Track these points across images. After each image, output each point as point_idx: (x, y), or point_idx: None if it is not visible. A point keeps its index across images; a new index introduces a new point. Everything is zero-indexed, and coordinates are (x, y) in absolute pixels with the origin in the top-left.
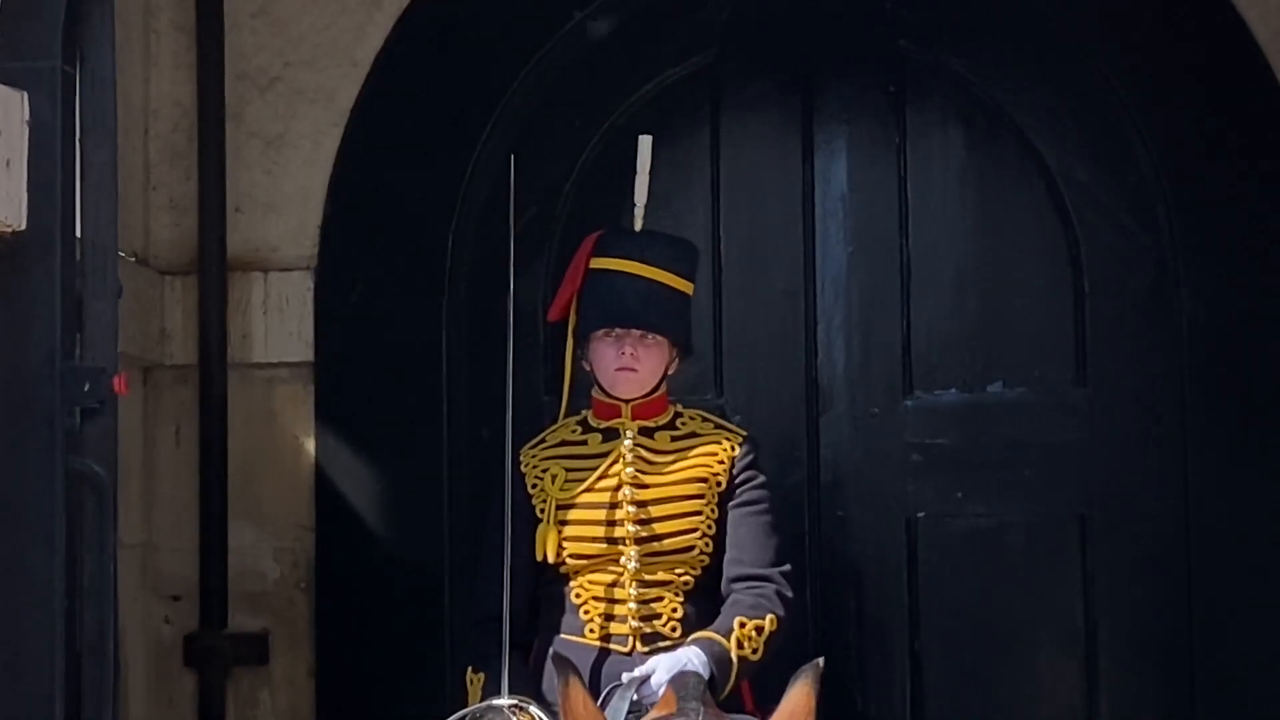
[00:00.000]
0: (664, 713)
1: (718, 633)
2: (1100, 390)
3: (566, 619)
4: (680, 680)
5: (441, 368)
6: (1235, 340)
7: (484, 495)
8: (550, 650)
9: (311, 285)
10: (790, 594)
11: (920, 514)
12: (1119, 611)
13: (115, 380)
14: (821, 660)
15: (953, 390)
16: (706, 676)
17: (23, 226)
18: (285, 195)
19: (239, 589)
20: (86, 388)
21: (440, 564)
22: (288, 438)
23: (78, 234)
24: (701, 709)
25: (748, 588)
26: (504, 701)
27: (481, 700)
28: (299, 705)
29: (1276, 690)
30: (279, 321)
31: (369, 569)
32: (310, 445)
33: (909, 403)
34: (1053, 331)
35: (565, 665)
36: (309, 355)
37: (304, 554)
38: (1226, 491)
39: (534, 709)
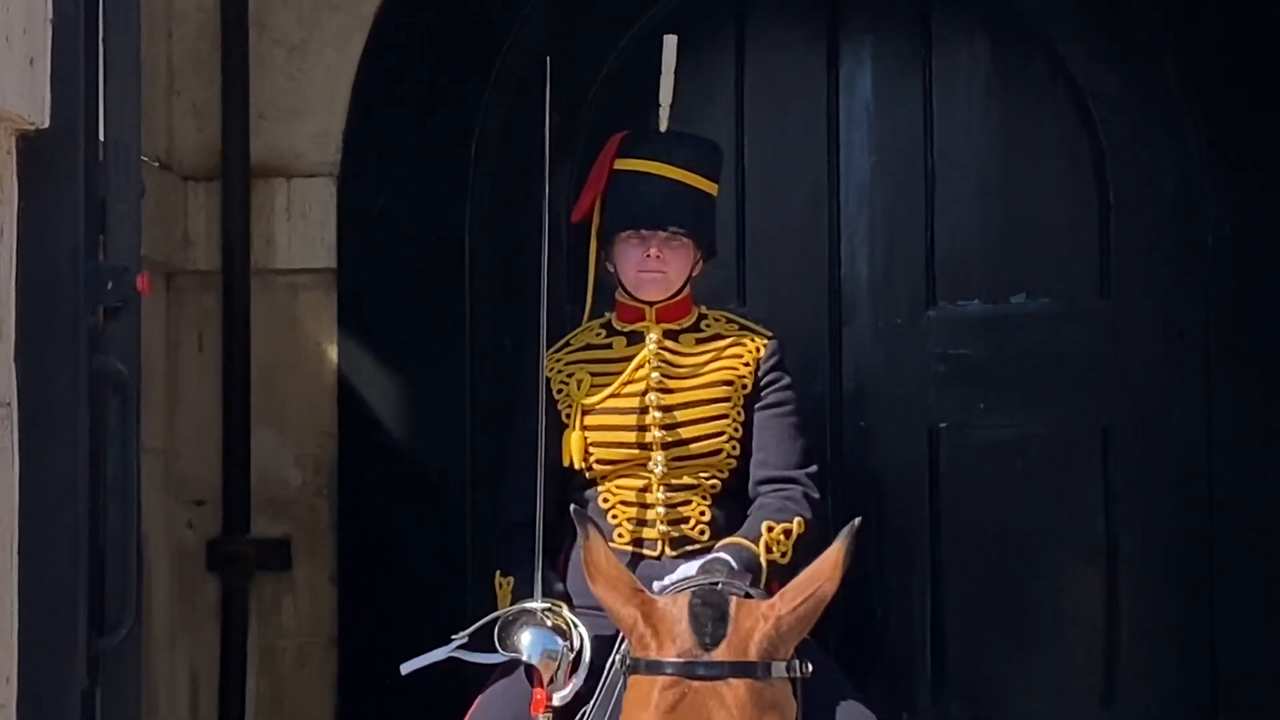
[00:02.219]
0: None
1: (746, 538)
2: (1124, 303)
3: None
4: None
5: (464, 276)
6: (1261, 254)
7: (507, 403)
8: (571, 506)
9: (334, 192)
10: (817, 495)
11: (942, 425)
12: (1140, 524)
13: (138, 279)
14: (858, 520)
15: (976, 301)
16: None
17: (45, 124)
18: (308, 102)
19: (261, 495)
20: (109, 287)
21: (462, 471)
22: (310, 344)
23: (101, 136)
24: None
25: (774, 490)
26: (537, 605)
27: (511, 604)
28: (321, 610)
29: None
30: (302, 228)
31: (391, 476)
32: (333, 352)
33: (932, 313)
34: (1077, 244)
35: (584, 519)
36: (332, 262)
37: (326, 460)
38: (1249, 405)
39: (566, 612)
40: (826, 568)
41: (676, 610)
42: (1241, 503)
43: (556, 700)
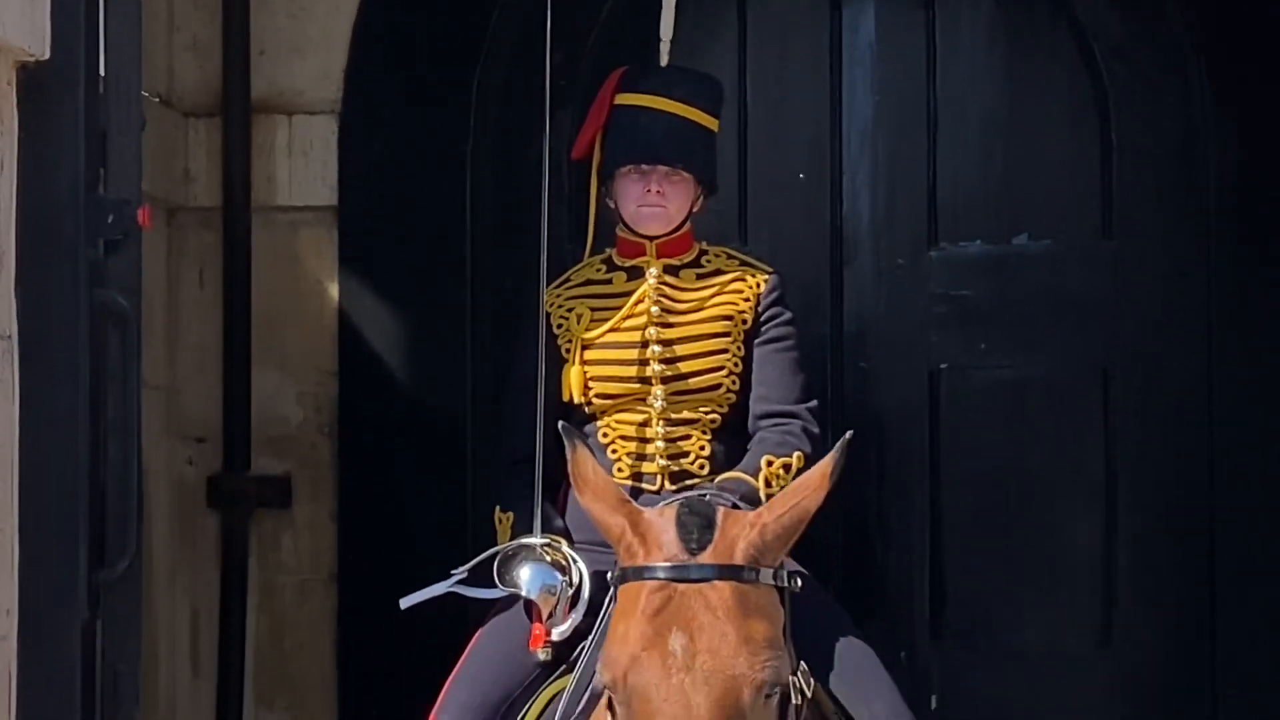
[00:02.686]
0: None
1: (745, 472)
2: (1126, 244)
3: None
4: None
5: (466, 215)
6: (1262, 197)
7: (507, 342)
8: (560, 422)
9: (336, 129)
10: (817, 430)
11: (943, 366)
12: (1140, 465)
13: (139, 212)
14: (849, 434)
15: (978, 242)
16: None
17: (46, 56)
18: (310, 39)
19: (262, 432)
20: (110, 220)
21: (462, 409)
22: (311, 282)
23: (101, 69)
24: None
25: (774, 425)
26: (536, 540)
27: (510, 540)
28: (321, 548)
29: None
30: (303, 165)
31: (391, 414)
32: (334, 290)
33: (934, 254)
34: (1080, 185)
35: (571, 433)
36: (333, 200)
37: (327, 398)
38: (1250, 347)
39: (565, 548)
40: (814, 479)
41: (664, 519)
42: (1241, 444)
43: (555, 635)
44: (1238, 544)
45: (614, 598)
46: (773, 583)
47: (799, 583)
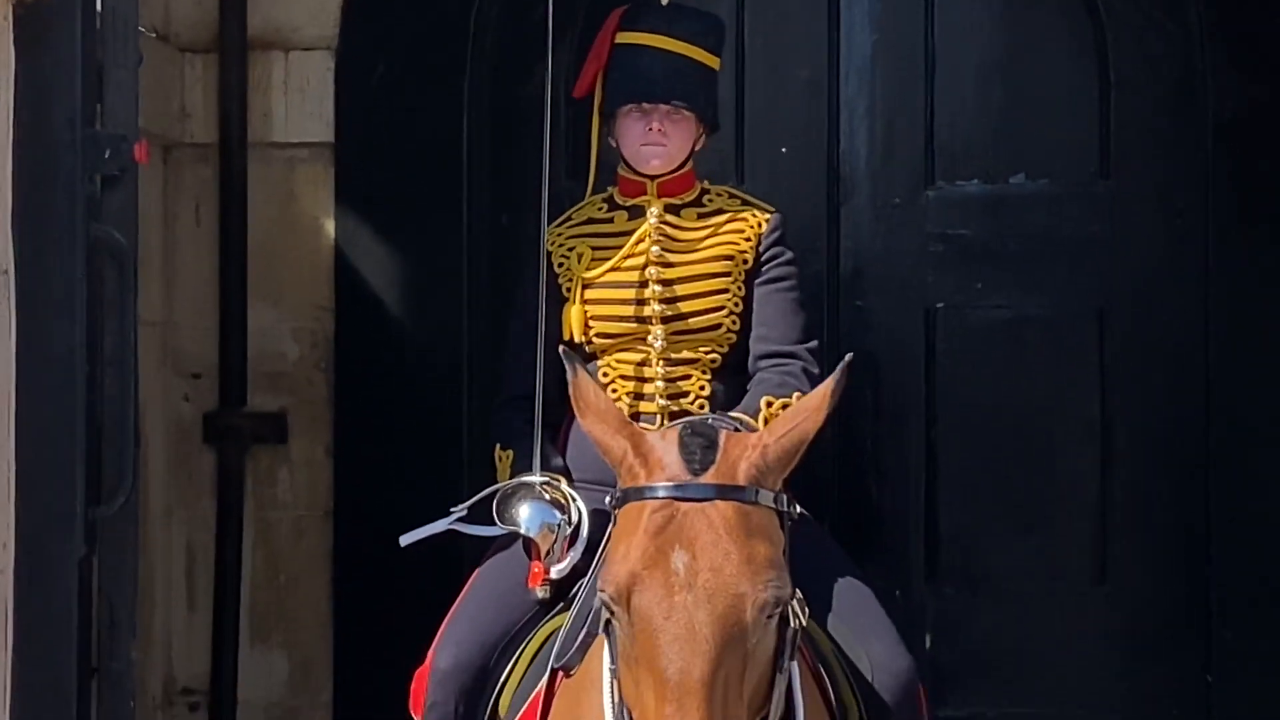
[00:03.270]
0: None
1: (745, 413)
2: (1123, 184)
3: None
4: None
5: (462, 151)
6: (1261, 137)
7: (503, 279)
8: (560, 346)
9: (332, 65)
10: (817, 370)
11: (939, 305)
12: (1135, 405)
13: (136, 148)
14: (850, 356)
15: (975, 181)
16: None
17: None
18: None
19: (258, 368)
20: (107, 155)
21: (459, 345)
22: (307, 218)
23: (98, 4)
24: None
25: (774, 365)
26: (535, 478)
27: (510, 478)
28: (317, 484)
29: None
30: (299, 101)
31: (388, 350)
32: (330, 226)
33: (930, 193)
34: (1077, 124)
35: (572, 357)
36: (329, 136)
37: (323, 334)
38: (1247, 287)
39: (565, 486)
40: (815, 402)
41: (666, 441)
42: (1237, 382)
43: (554, 573)
44: (1232, 482)
45: (614, 520)
46: (773, 506)
47: (798, 509)
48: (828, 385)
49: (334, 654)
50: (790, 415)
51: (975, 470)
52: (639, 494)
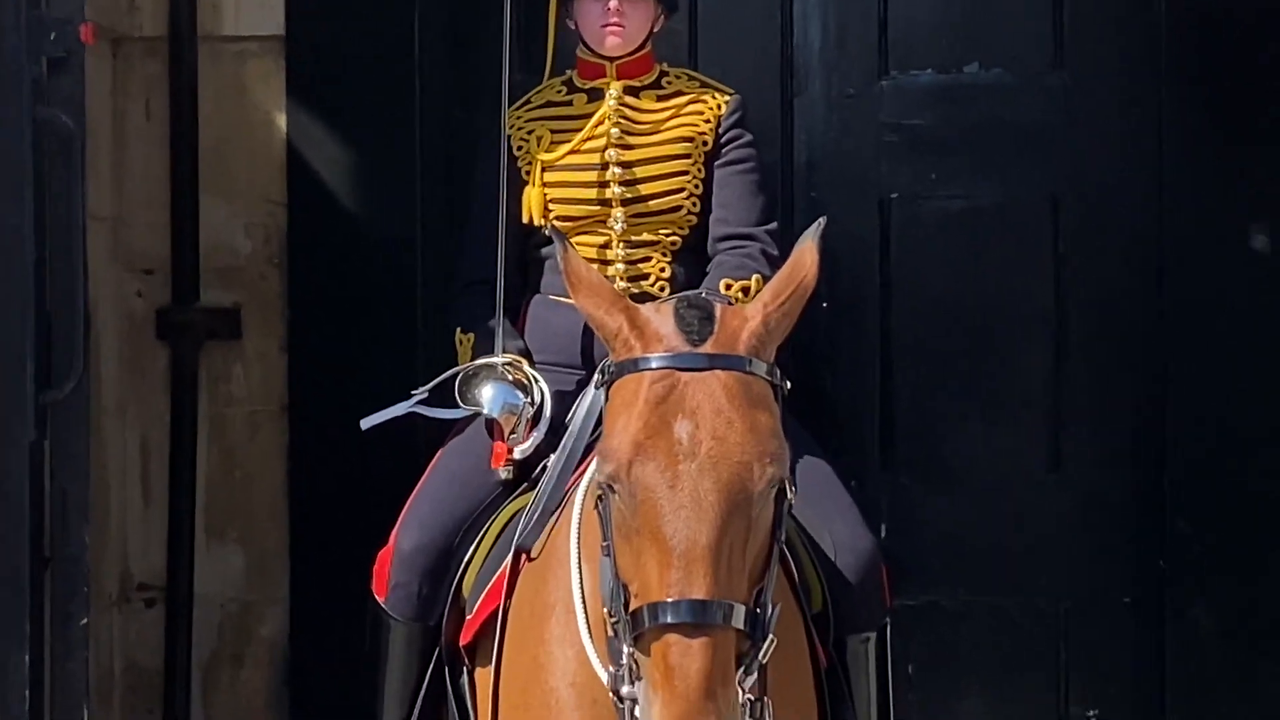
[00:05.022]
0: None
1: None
2: (1077, 73)
3: (555, 280)
4: None
5: (414, 41)
6: (1214, 27)
7: (457, 170)
8: (550, 223)
9: None
10: (776, 252)
11: (894, 195)
12: (1090, 294)
13: (82, 29)
14: (824, 219)
15: (929, 71)
16: None
17: None
18: None
19: (211, 264)
20: (53, 37)
21: (412, 239)
22: (259, 113)
23: None
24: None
25: (732, 248)
26: (498, 359)
27: (472, 360)
28: (271, 379)
29: (1243, 375)
30: None
31: (341, 244)
32: (281, 120)
33: (884, 84)
34: (1031, 13)
35: (561, 233)
36: (279, 29)
37: (276, 229)
38: (1199, 176)
39: (527, 367)
40: (804, 262)
41: (661, 314)
42: (1190, 270)
43: (517, 454)
44: (1188, 369)
45: (607, 396)
46: (768, 378)
47: (789, 385)
48: (811, 247)
49: (290, 549)
50: (784, 280)
51: (930, 360)
52: (635, 365)
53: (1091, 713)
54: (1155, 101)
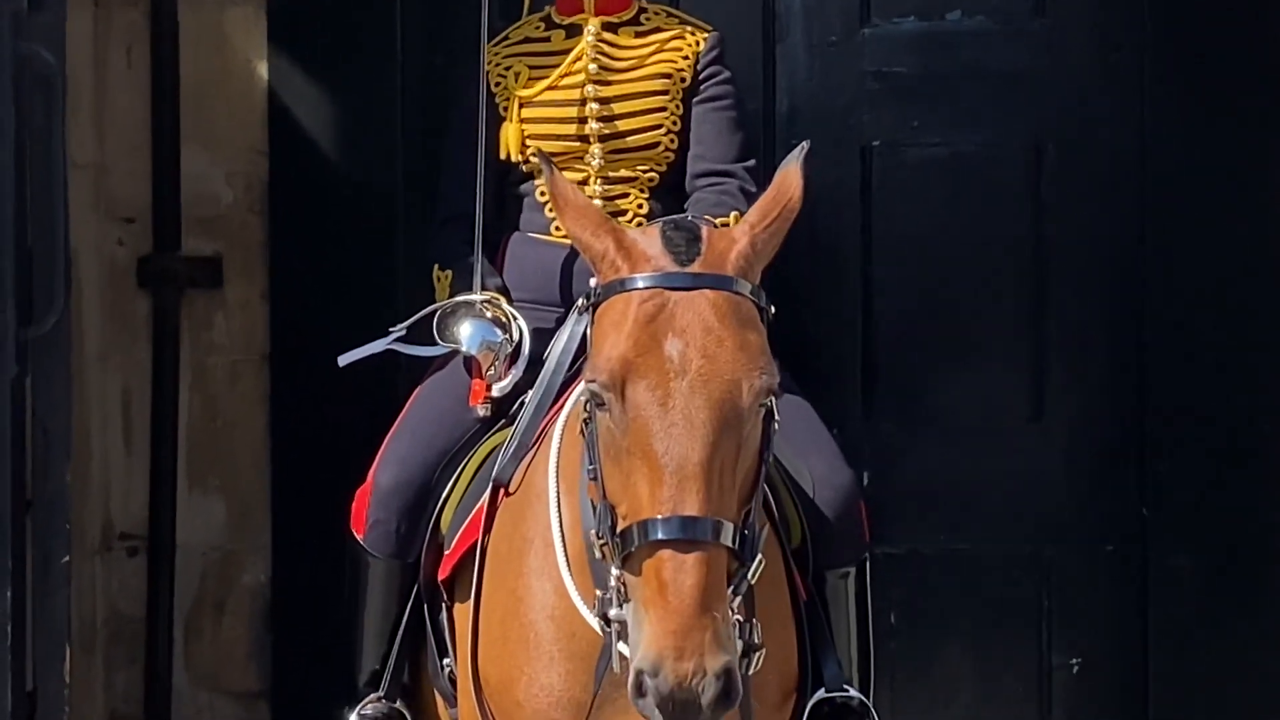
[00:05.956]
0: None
1: None
2: (1060, 20)
3: (533, 217)
4: None
5: None
6: None
7: (437, 119)
8: (537, 149)
9: None
10: (754, 189)
11: (875, 143)
12: (1071, 241)
13: None
14: (807, 143)
15: (911, 18)
16: None
17: None
18: None
19: (192, 212)
20: None
21: (394, 187)
22: (240, 61)
23: None
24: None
25: (710, 185)
26: (476, 296)
27: (450, 297)
28: (253, 328)
29: (1225, 320)
30: None
31: (323, 192)
32: (263, 69)
33: (866, 31)
34: None
35: (547, 158)
36: None
37: (257, 178)
38: (1182, 123)
39: (505, 304)
40: (789, 184)
41: (648, 237)
42: (1173, 215)
43: (495, 391)
44: (1167, 316)
45: (593, 320)
46: (754, 299)
47: (774, 310)
48: (795, 169)
49: (272, 497)
50: (769, 202)
51: (912, 307)
52: (623, 285)
53: (1073, 660)
54: (1137, 47)
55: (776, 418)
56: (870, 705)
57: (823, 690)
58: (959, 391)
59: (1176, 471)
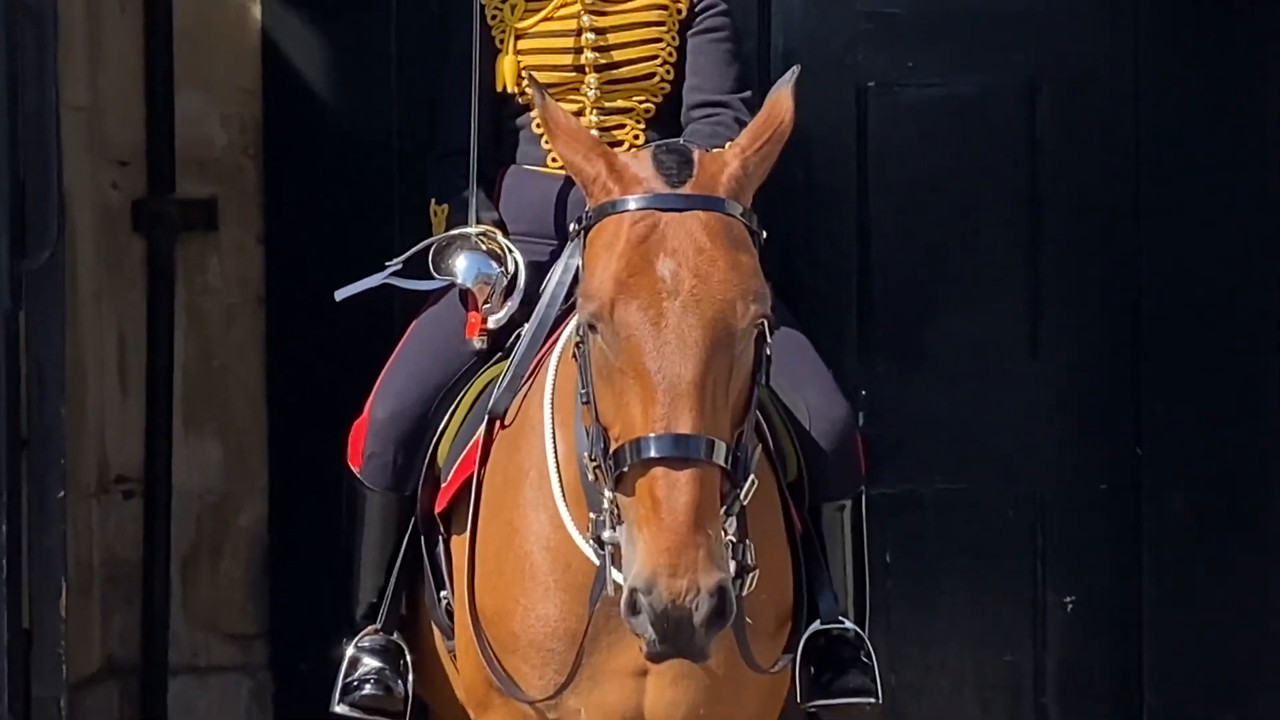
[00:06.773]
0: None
1: None
2: None
3: (530, 150)
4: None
5: None
6: None
7: (433, 58)
8: (529, 75)
9: None
10: (749, 119)
11: (870, 83)
12: (1067, 181)
13: None
14: (797, 67)
15: None
16: None
17: None
18: None
19: (187, 155)
20: None
21: (389, 129)
22: (234, 3)
23: None
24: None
25: (706, 116)
26: (472, 230)
27: (446, 231)
28: (248, 270)
29: (1220, 260)
30: None
31: (317, 134)
32: (256, 10)
33: None
34: None
35: (538, 84)
36: None
37: (252, 120)
38: (1178, 64)
39: (501, 238)
40: (781, 107)
41: (639, 160)
42: (1168, 158)
43: (491, 323)
44: (1162, 255)
45: (585, 242)
46: (745, 221)
47: (765, 235)
48: (787, 93)
49: (268, 440)
50: (760, 125)
51: (907, 248)
52: (615, 207)
53: (1068, 598)
54: None
55: (769, 340)
56: (865, 637)
57: (818, 622)
58: (955, 332)
59: (1171, 411)
